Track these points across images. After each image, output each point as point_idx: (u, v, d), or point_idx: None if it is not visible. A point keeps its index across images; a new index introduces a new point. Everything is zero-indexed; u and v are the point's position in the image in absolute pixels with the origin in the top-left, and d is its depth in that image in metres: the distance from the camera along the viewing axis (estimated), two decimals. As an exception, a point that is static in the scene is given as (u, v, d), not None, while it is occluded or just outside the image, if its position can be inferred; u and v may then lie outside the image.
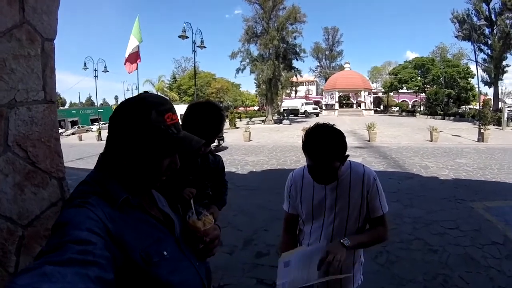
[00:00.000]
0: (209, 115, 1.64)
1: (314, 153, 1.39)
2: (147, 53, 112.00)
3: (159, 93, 39.08)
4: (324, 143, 1.36)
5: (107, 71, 28.51)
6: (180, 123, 0.94)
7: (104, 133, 26.40)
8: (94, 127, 33.84)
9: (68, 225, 0.70)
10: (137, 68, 21.45)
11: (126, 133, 0.83)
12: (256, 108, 52.88)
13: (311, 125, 1.46)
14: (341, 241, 1.39)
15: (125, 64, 20.74)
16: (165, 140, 0.85)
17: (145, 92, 0.94)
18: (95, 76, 27.69)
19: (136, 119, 0.82)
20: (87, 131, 36.20)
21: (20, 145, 1.18)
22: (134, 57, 21.43)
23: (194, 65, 22.01)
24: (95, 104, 45.88)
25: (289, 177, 1.72)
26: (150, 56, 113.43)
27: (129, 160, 0.85)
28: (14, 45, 1.21)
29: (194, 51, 18.84)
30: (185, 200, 1.39)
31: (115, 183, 0.85)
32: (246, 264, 3.78)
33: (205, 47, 19.36)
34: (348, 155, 1.47)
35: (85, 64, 26.84)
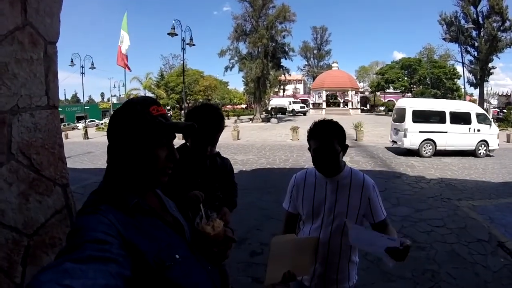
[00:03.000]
0: (208, 114, 1.73)
1: (319, 132, 1.56)
2: (134, 50, 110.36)
3: (146, 91, 38.62)
4: (327, 125, 1.57)
5: (94, 67, 27.89)
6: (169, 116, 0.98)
7: (91, 131, 25.97)
8: (80, 125, 33.04)
9: (83, 229, 0.73)
10: (130, 69, 21.69)
11: (119, 133, 0.89)
12: (243, 106, 52.69)
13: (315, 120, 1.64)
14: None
15: (120, 59, 20.95)
16: (154, 128, 0.88)
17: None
18: (82, 73, 27.00)
19: (124, 117, 0.89)
20: (73, 129, 35.33)
21: (24, 152, 1.15)
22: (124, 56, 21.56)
23: (183, 62, 21.78)
24: (81, 101, 44.69)
25: (292, 179, 1.81)
26: (138, 53, 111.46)
27: (127, 158, 0.89)
28: (16, 49, 1.18)
29: (183, 49, 18.62)
30: (194, 204, 1.40)
31: (124, 190, 0.88)
32: (240, 263, 3.79)
33: (194, 45, 19.18)
34: (348, 146, 1.63)
35: (72, 61, 26.17)
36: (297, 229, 1.86)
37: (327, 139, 1.54)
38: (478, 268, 3.70)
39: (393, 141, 12.67)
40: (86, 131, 23.89)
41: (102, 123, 37.26)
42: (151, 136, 0.88)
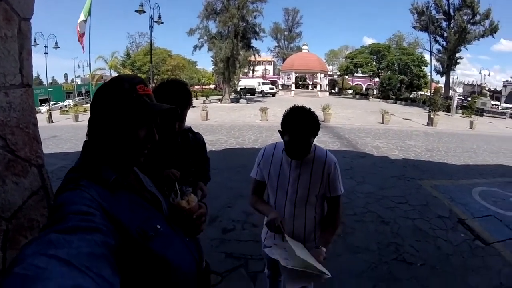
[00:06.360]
0: (176, 90, 1.73)
1: (296, 129, 1.58)
2: (99, 28, 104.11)
3: (111, 70, 36.76)
4: (304, 121, 1.57)
5: (58, 47, 25.96)
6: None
7: (55, 114, 24.39)
8: (44, 108, 30.49)
9: (65, 204, 0.73)
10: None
11: (102, 108, 0.89)
12: (212, 86, 51.76)
13: (289, 107, 1.66)
14: (320, 248, 1.67)
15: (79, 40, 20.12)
16: (138, 107, 0.90)
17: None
18: (45, 53, 24.80)
19: (110, 92, 0.90)
20: (36, 112, 32.86)
21: (-2, 133, 1.11)
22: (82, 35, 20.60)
23: (151, 41, 20.85)
24: (44, 83, 41.52)
25: (261, 151, 1.93)
26: (103, 31, 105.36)
27: (108, 134, 0.89)
28: (-11, 25, 1.11)
29: (151, 27, 17.88)
30: (169, 180, 1.44)
31: (103, 166, 0.88)
32: (214, 240, 3.88)
33: (162, 23, 18.45)
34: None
35: (35, 40, 24.06)
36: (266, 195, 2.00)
37: (302, 136, 1.59)
38: (439, 242, 3.98)
39: None
40: (50, 115, 22.31)
41: (66, 106, 35.21)
42: (133, 115, 0.89)
